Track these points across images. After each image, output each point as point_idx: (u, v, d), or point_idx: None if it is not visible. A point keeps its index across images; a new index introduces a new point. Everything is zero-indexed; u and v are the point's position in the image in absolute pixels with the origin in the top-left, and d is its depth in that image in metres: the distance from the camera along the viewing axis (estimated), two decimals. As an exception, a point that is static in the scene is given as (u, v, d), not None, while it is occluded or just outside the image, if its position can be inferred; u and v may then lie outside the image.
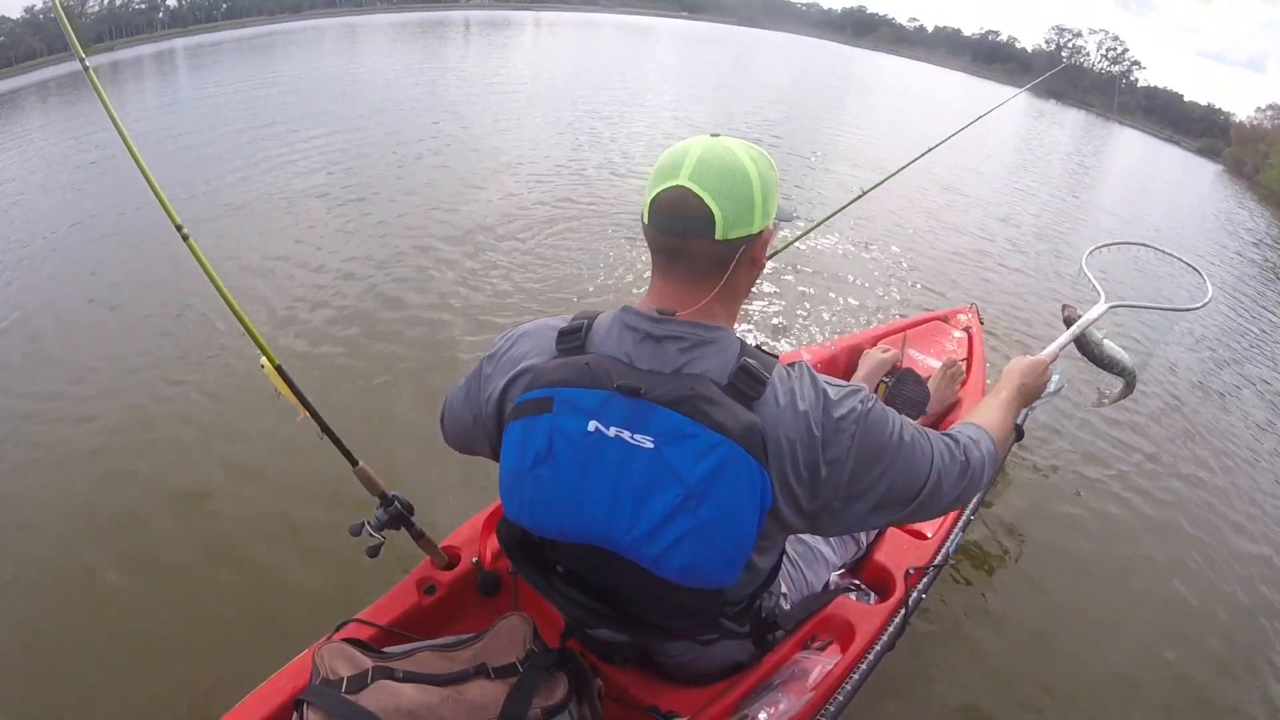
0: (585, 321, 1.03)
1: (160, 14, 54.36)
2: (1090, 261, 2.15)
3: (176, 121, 9.98)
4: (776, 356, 1.02)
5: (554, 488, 0.97)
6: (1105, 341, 1.99)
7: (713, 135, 0.99)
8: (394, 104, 10.46)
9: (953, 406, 2.32)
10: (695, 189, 0.93)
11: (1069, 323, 1.90)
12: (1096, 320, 1.85)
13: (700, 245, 0.95)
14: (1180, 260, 2.25)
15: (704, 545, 0.92)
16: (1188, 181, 19.46)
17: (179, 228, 1.17)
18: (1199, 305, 2.00)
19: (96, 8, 50.66)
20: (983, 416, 1.26)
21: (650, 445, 0.91)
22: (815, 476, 0.97)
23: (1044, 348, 1.64)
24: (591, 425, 0.93)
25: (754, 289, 1.14)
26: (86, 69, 1.14)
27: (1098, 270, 2.10)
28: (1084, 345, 1.98)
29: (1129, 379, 2.10)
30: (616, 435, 0.92)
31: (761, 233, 0.98)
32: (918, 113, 17.30)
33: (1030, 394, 1.44)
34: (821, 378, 1.01)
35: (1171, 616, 2.41)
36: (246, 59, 18.41)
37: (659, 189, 0.95)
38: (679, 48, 28.18)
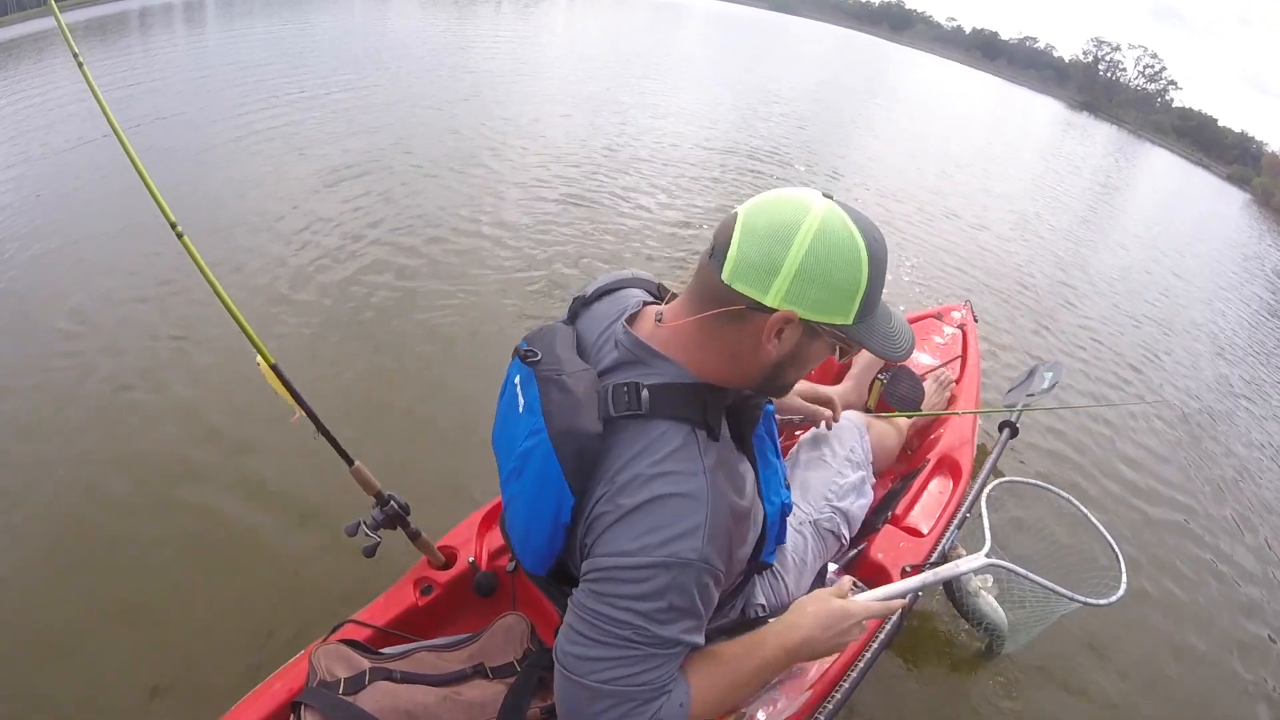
0: (591, 295, 1.03)
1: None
2: (996, 492, 1.65)
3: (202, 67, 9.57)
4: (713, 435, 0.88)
5: (498, 419, 1.04)
6: (983, 594, 1.66)
7: (825, 195, 0.84)
8: (413, 82, 9.66)
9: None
10: (739, 220, 0.82)
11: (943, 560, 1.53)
12: (964, 574, 1.41)
13: (709, 271, 0.84)
14: (1103, 534, 1.61)
15: (517, 516, 0.97)
16: (1216, 210, 18.12)
17: (173, 225, 1.10)
18: (1100, 602, 1.43)
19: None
20: (724, 677, 0.94)
21: (520, 409, 0.92)
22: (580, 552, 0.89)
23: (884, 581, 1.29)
24: (518, 378, 0.95)
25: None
26: (81, 65, 1.07)
27: (1009, 499, 1.82)
28: (954, 591, 1.68)
29: (995, 644, 1.77)
30: (519, 392, 0.94)
31: (775, 313, 0.81)
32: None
33: (818, 651, 1.02)
34: (682, 522, 0.81)
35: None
36: (276, 12, 17.73)
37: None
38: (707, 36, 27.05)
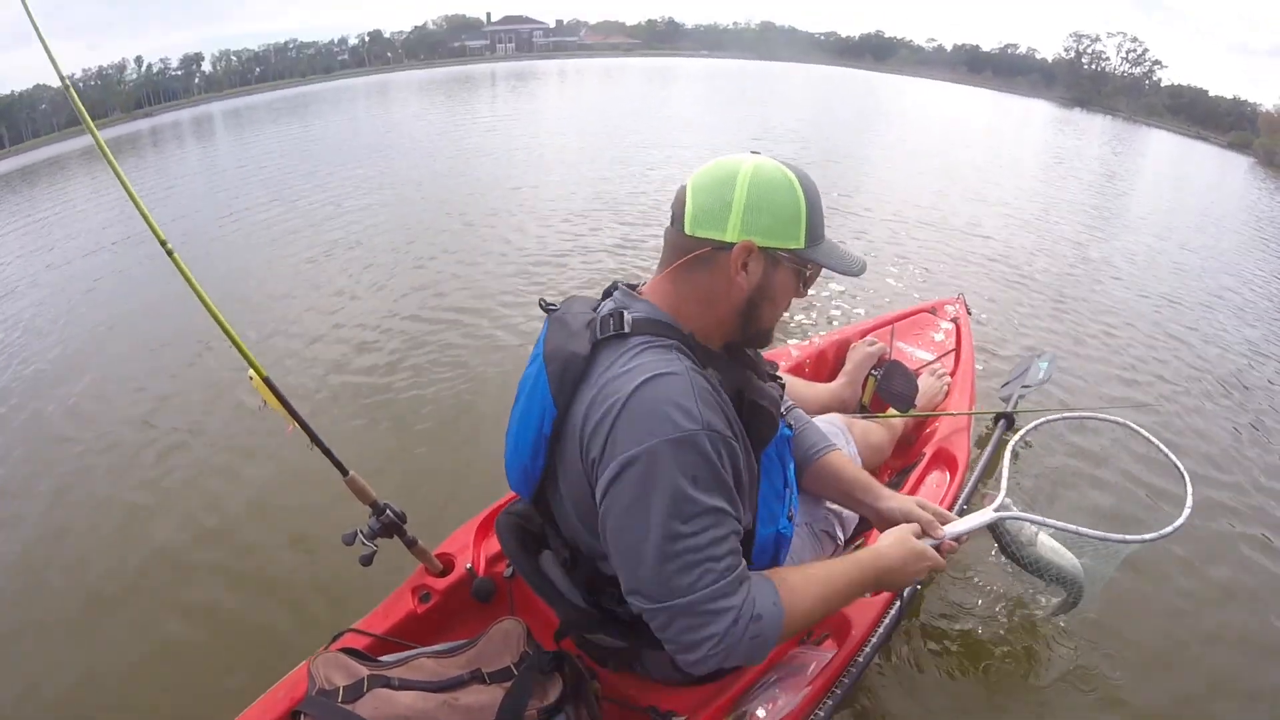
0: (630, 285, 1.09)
1: (196, 79, 55.54)
2: (1033, 432, 1.57)
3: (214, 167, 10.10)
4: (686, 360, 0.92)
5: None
6: (1040, 539, 1.44)
7: (753, 152, 0.98)
8: (415, 162, 10.24)
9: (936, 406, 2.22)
10: (689, 185, 0.95)
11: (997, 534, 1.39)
12: (975, 530, 1.30)
13: (674, 235, 0.96)
14: (1164, 454, 1.47)
15: (512, 436, 1.05)
16: (1221, 181, 17.11)
17: (163, 243, 1.13)
18: (1150, 537, 1.28)
19: (135, 75, 51.82)
20: (814, 586, 0.99)
21: (538, 345, 1.02)
22: (591, 473, 0.93)
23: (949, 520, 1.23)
24: (545, 323, 1.05)
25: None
26: (69, 89, 1.11)
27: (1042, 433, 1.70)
28: (1006, 544, 1.42)
29: (1071, 591, 1.54)
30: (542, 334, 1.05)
31: (735, 245, 0.91)
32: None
33: (898, 579, 1.11)
34: (673, 396, 0.85)
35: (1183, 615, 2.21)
36: (279, 120, 18.59)
37: None
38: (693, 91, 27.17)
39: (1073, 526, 1.32)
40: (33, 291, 5.17)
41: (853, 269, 0.97)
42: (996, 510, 1.34)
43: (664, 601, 0.86)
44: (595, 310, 1.02)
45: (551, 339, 0.97)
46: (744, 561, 0.91)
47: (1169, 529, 1.29)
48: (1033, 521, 1.36)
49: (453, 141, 11.49)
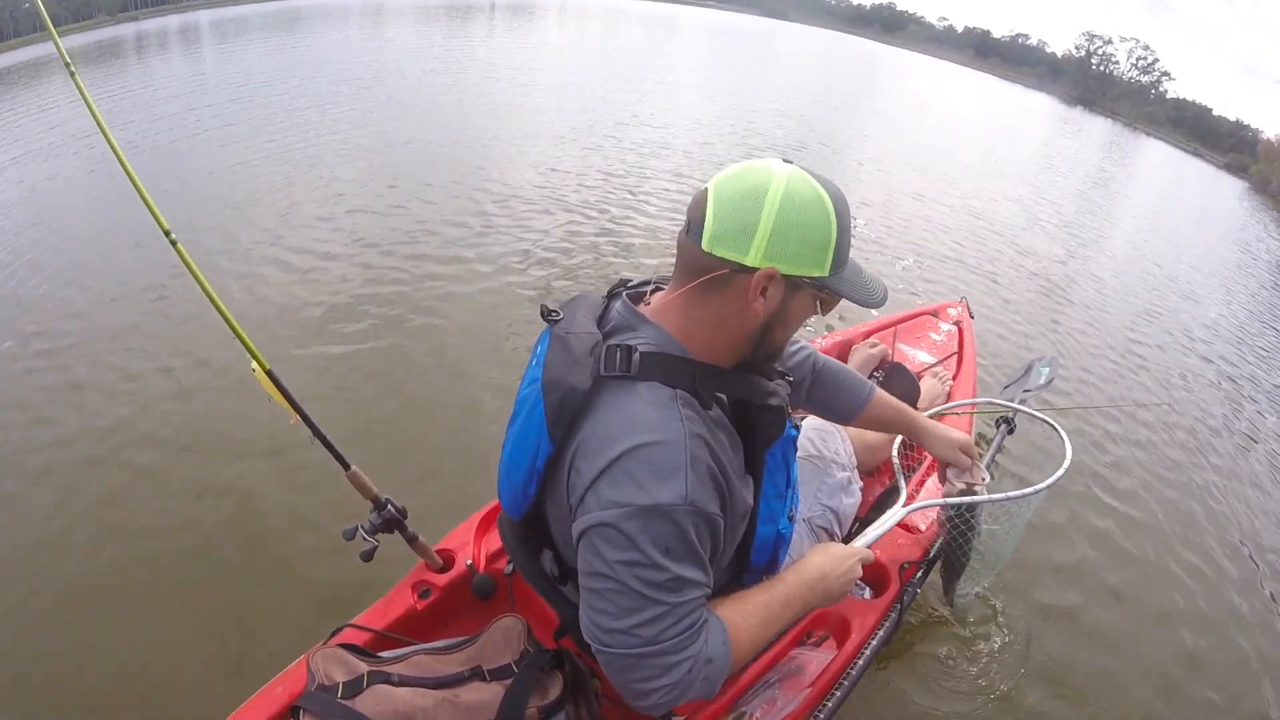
0: (633, 284, 1.05)
1: (187, -16, 52.90)
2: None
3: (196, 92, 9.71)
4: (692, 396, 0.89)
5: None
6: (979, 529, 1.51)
7: (785, 160, 0.89)
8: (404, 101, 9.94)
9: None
10: (710, 193, 0.88)
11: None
12: (887, 529, 1.37)
13: (689, 247, 0.89)
14: (1042, 420, 1.60)
15: (505, 457, 1.01)
16: (1214, 202, 17.51)
17: (167, 233, 1.08)
18: (1038, 488, 1.38)
19: (121, -25, 49.20)
20: (754, 617, 0.99)
21: (534, 363, 0.98)
22: (572, 514, 0.90)
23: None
24: (546, 336, 0.99)
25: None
26: (73, 74, 1.04)
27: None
28: (966, 527, 1.50)
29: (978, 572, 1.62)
30: (537, 348, 1.00)
31: (757, 271, 0.85)
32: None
33: (832, 587, 1.09)
34: (662, 467, 0.82)
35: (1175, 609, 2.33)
36: (272, 35, 17.80)
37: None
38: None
39: (984, 498, 1.42)
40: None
41: (873, 300, 0.94)
42: (905, 506, 1.41)
43: (623, 649, 0.85)
44: (600, 323, 0.97)
45: (551, 365, 0.91)
46: (707, 615, 0.91)
47: (1054, 478, 1.39)
48: (928, 505, 1.45)
49: (462, 84, 11.13)
